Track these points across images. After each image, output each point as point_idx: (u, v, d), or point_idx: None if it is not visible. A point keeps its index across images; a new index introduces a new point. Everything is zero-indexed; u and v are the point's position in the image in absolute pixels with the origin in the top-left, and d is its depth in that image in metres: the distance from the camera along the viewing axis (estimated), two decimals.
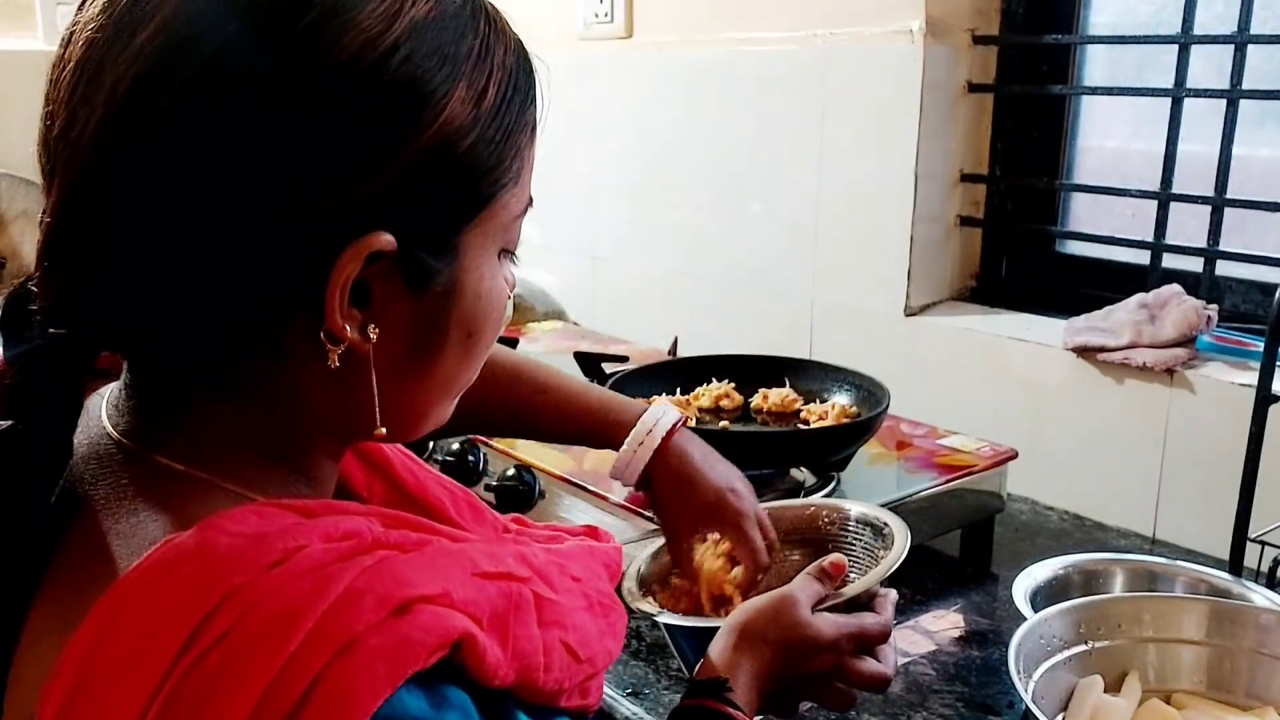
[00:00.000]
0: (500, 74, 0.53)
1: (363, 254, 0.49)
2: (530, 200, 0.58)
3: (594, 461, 1.31)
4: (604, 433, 0.96)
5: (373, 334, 0.51)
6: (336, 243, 0.49)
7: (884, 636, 0.79)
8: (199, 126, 0.46)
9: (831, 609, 0.78)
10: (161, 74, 0.46)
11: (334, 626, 0.44)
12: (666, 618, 0.87)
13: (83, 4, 0.50)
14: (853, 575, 0.85)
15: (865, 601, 0.81)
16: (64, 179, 0.49)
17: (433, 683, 0.47)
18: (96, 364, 0.54)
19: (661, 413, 0.95)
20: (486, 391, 0.85)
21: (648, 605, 0.89)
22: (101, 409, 0.55)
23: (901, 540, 0.88)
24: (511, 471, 1.29)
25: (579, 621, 0.61)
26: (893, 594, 0.83)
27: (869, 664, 0.78)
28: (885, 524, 0.93)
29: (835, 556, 0.81)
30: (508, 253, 0.59)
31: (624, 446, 0.94)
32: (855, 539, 0.95)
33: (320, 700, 0.42)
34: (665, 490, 0.94)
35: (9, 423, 0.49)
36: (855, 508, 0.98)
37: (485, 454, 1.36)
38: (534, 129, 0.56)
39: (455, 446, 1.35)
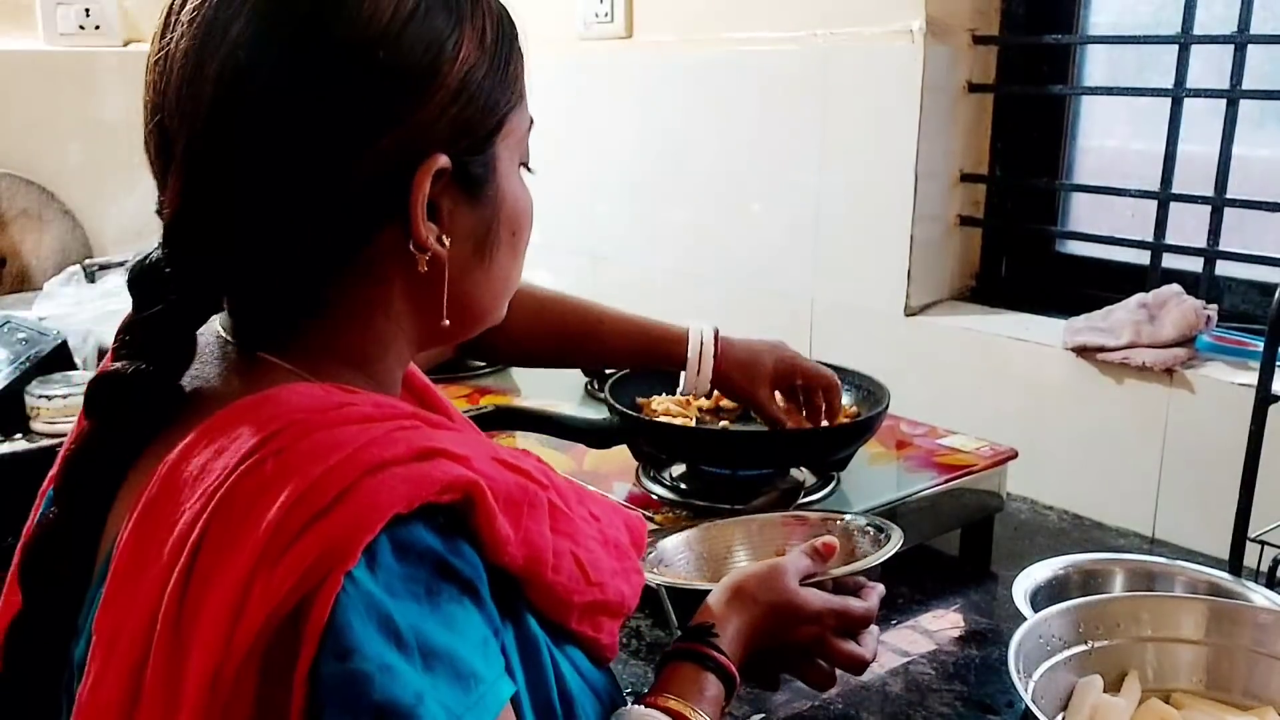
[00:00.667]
0: (491, 17, 0.63)
1: (430, 172, 0.59)
2: (532, 119, 0.68)
3: (594, 461, 1.32)
4: (664, 351, 1.19)
5: (446, 241, 0.62)
6: (409, 167, 0.59)
7: (866, 621, 0.82)
8: (286, 97, 0.57)
9: (819, 586, 0.82)
10: (254, 58, 0.56)
11: (368, 454, 0.54)
12: (663, 580, 0.91)
13: (165, 30, 0.59)
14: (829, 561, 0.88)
15: (852, 588, 0.84)
16: (183, 165, 0.59)
17: (450, 534, 0.55)
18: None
19: (701, 329, 1.19)
20: (553, 322, 1.17)
21: (650, 574, 0.91)
22: (217, 321, 0.65)
23: (895, 540, 0.91)
24: None
25: (592, 547, 0.66)
26: (880, 587, 0.86)
27: (849, 645, 0.81)
28: (883, 529, 0.95)
29: (827, 537, 0.85)
30: (524, 165, 0.68)
31: (688, 365, 1.17)
32: (854, 545, 0.96)
33: (347, 504, 0.52)
34: (736, 375, 1.20)
35: (125, 364, 0.60)
36: (861, 519, 1.01)
37: None
38: (523, 57, 0.66)
39: None
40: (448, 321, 0.65)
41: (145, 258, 0.62)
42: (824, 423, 1.22)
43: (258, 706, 0.50)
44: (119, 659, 0.53)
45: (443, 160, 0.60)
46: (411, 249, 0.61)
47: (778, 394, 1.22)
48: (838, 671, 0.82)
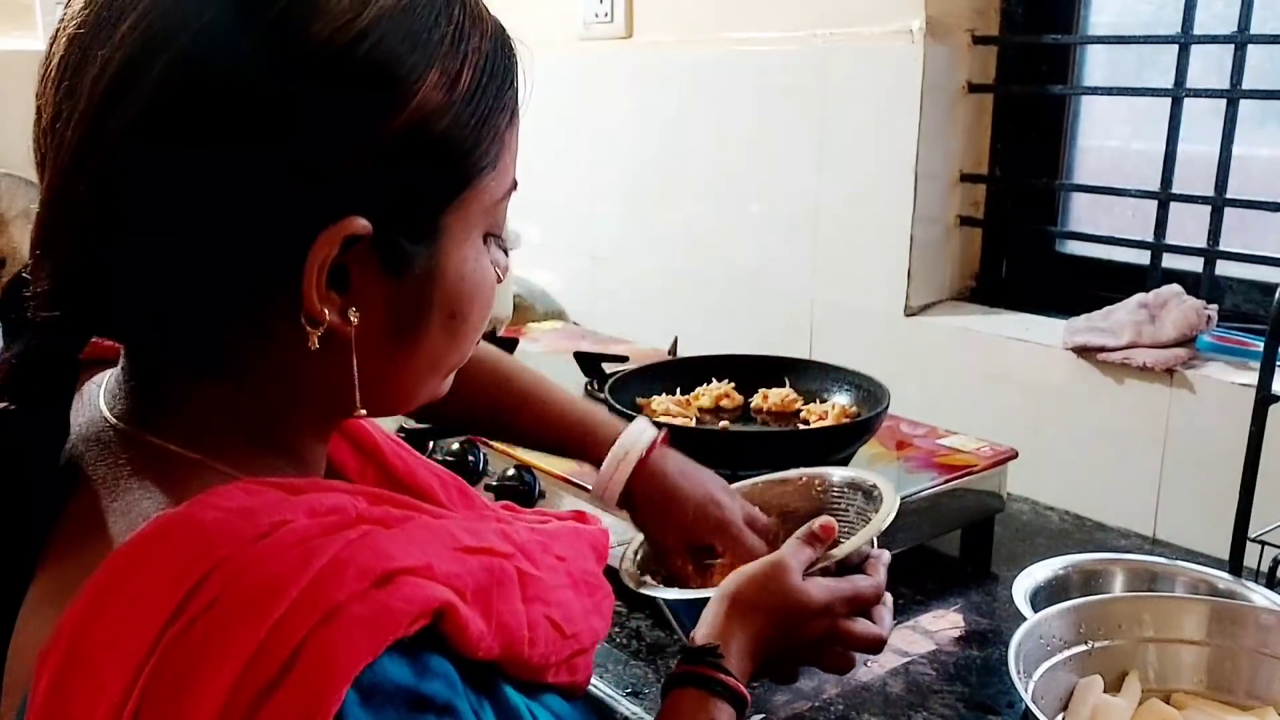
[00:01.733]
0: (475, 59, 0.54)
1: (338, 238, 0.50)
2: (514, 184, 0.59)
3: None
4: (581, 451, 0.96)
5: (353, 317, 0.53)
6: (311, 227, 0.50)
7: (877, 598, 0.79)
8: (176, 114, 0.48)
9: (823, 572, 0.78)
10: (141, 63, 0.48)
11: (317, 595, 0.45)
12: (663, 592, 0.87)
13: (68, 3, 0.52)
14: (844, 539, 0.84)
15: (857, 563, 0.81)
16: (53, 168, 0.51)
17: (416, 651, 0.49)
18: (90, 348, 0.56)
19: (640, 433, 0.94)
20: (471, 395, 0.87)
21: (648, 583, 0.89)
22: (99, 394, 0.57)
23: (890, 499, 0.88)
24: (511, 471, 1.29)
25: (563, 598, 0.62)
26: (885, 555, 0.83)
27: (864, 625, 0.78)
28: (873, 485, 0.92)
29: (824, 519, 0.81)
30: (494, 236, 0.59)
31: (602, 468, 0.93)
32: (848, 504, 0.94)
33: (303, 666, 0.44)
34: (646, 509, 0.93)
35: (4, 404, 0.51)
36: (839, 473, 0.98)
37: (485, 454, 1.36)
38: (514, 113, 0.57)
39: (455, 446, 1.35)
40: (361, 408, 0.56)
41: (18, 273, 0.54)
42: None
43: None
44: None
45: (359, 225, 0.50)
46: (301, 319, 0.51)
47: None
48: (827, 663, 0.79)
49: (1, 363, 0.53)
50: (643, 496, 0.93)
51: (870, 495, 0.92)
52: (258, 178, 0.49)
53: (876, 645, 0.78)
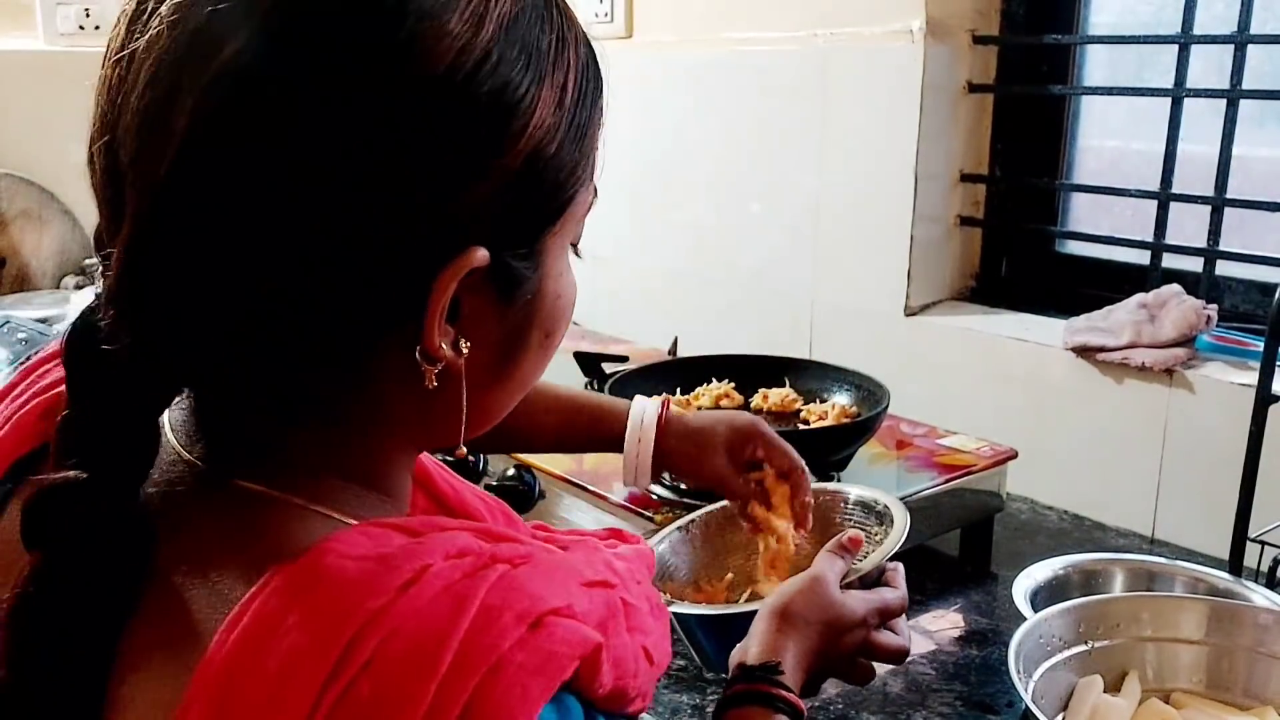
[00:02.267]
0: (576, 68, 0.51)
1: (461, 272, 0.47)
2: (596, 192, 0.56)
3: (594, 461, 1.31)
4: (597, 427, 0.98)
5: (465, 348, 0.50)
6: (434, 263, 0.46)
7: (903, 609, 0.81)
8: (288, 154, 0.43)
9: (850, 585, 0.80)
10: (249, 96, 0.43)
11: (479, 647, 0.43)
12: (687, 608, 0.87)
13: (135, 20, 0.46)
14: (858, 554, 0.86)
15: (877, 576, 0.83)
16: (136, 212, 0.45)
17: (559, 697, 0.46)
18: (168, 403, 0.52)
19: (644, 406, 0.97)
20: None
21: (669, 602, 0.88)
22: (168, 432, 0.52)
23: (902, 517, 0.90)
24: (511, 471, 1.29)
25: (651, 626, 0.60)
26: (900, 566, 0.85)
27: (890, 637, 0.79)
28: (883, 505, 0.95)
29: (852, 532, 0.83)
30: (574, 246, 0.57)
31: (626, 450, 0.95)
32: (843, 519, 0.96)
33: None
34: (684, 459, 0.96)
35: (75, 473, 0.46)
36: (853, 491, 1.00)
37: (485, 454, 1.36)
38: (602, 115, 0.54)
39: None
40: (464, 449, 0.54)
41: (85, 319, 0.48)
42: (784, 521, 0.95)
43: None
44: None
45: (480, 256, 0.47)
46: (418, 357, 0.48)
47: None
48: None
49: (68, 419, 0.48)
50: (675, 452, 0.95)
51: (877, 513, 0.94)
52: (377, 218, 0.45)
53: (901, 655, 0.80)
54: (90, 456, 0.46)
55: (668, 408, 0.98)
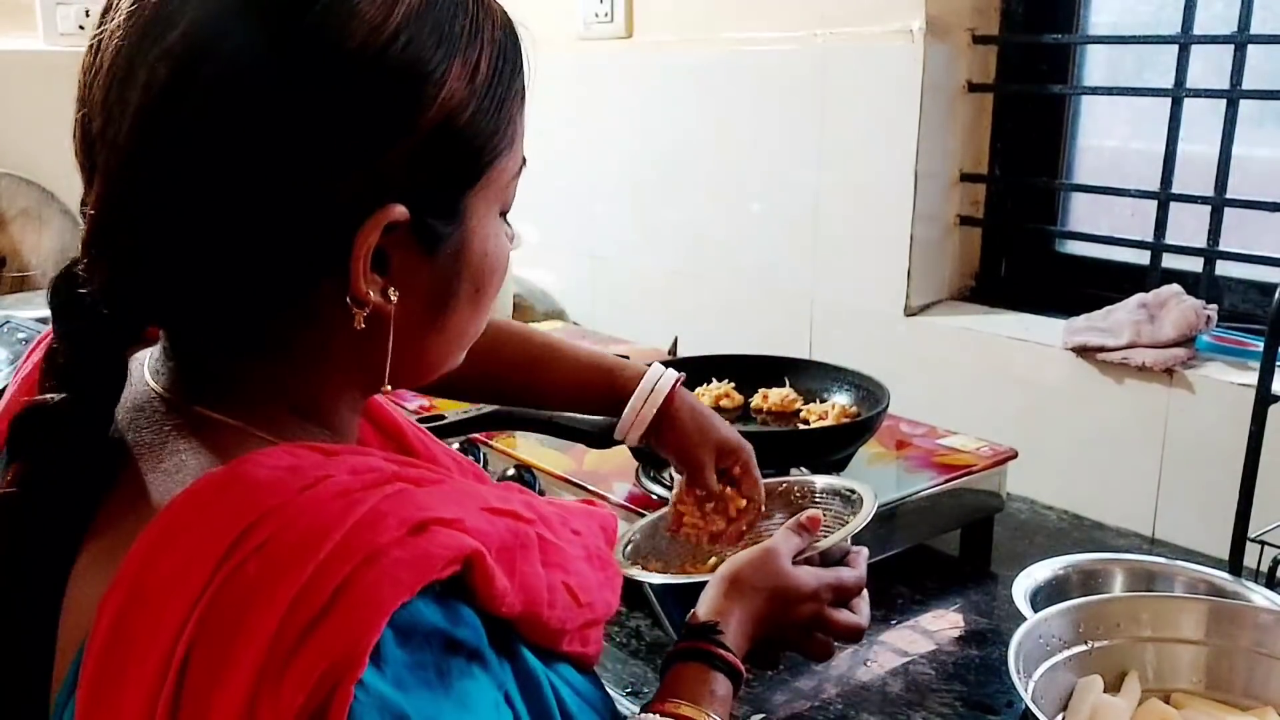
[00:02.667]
0: (490, 48, 0.57)
1: (380, 225, 0.54)
2: (524, 160, 0.63)
3: (594, 461, 1.32)
4: (608, 391, 1.00)
5: (393, 296, 0.57)
6: (356, 217, 0.54)
7: (859, 589, 0.83)
8: (224, 120, 0.51)
9: (808, 561, 0.83)
10: (188, 73, 0.51)
11: (359, 540, 0.49)
12: (652, 578, 0.90)
13: (106, 11, 0.54)
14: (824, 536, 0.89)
15: (839, 557, 0.85)
16: (104, 173, 0.53)
17: (448, 600, 0.52)
18: (141, 337, 0.60)
19: (662, 371, 1.00)
20: (497, 357, 0.98)
21: (636, 571, 0.92)
22: (143, 370, 0.60)
23: (870, 501, 0.93)
24: (511, 471, 1.29)
25: (579, 568, 0.64)
26: (864, 551, 0.87)
27: (845, 614, 0.82)
28: (852, 490, 0.97)
29: (811, 511, 0.86)
30: (505, 212, 0.64)
31: (629, 405, 0.98)
32: (826, 508, 0.97)
33: (345, 603, 0.47)
34: (678, 432, 0.99)
35: (62, 395, 0.55)
36: (821, 480, 1.02)
37: (485, 454, 1.37)
38: (523, 95, 0.61)
39: (455, 446, 1.35)
40: (388, 383, 0.61)
41: (66, 270, 0.57)
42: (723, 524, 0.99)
43: None
44: None
45: (398, 212, 0.54)
46: (348, 300, 0.55)
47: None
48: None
49: (54, 350, 0.57)
50: (673, 422, 0.98)
51: (849, 500, 0.96)
52: (303, 176, 0.52)
53: (856, 634, 0.82)
54: (68, 382, 0.55)
55: (682, 385, 1.01)
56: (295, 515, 0.49)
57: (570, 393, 1.03)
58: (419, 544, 0.50)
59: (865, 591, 0.84)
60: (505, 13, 0.60)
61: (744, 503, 0.99)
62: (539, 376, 1.02)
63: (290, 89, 0.51)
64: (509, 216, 0.64)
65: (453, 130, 0.55)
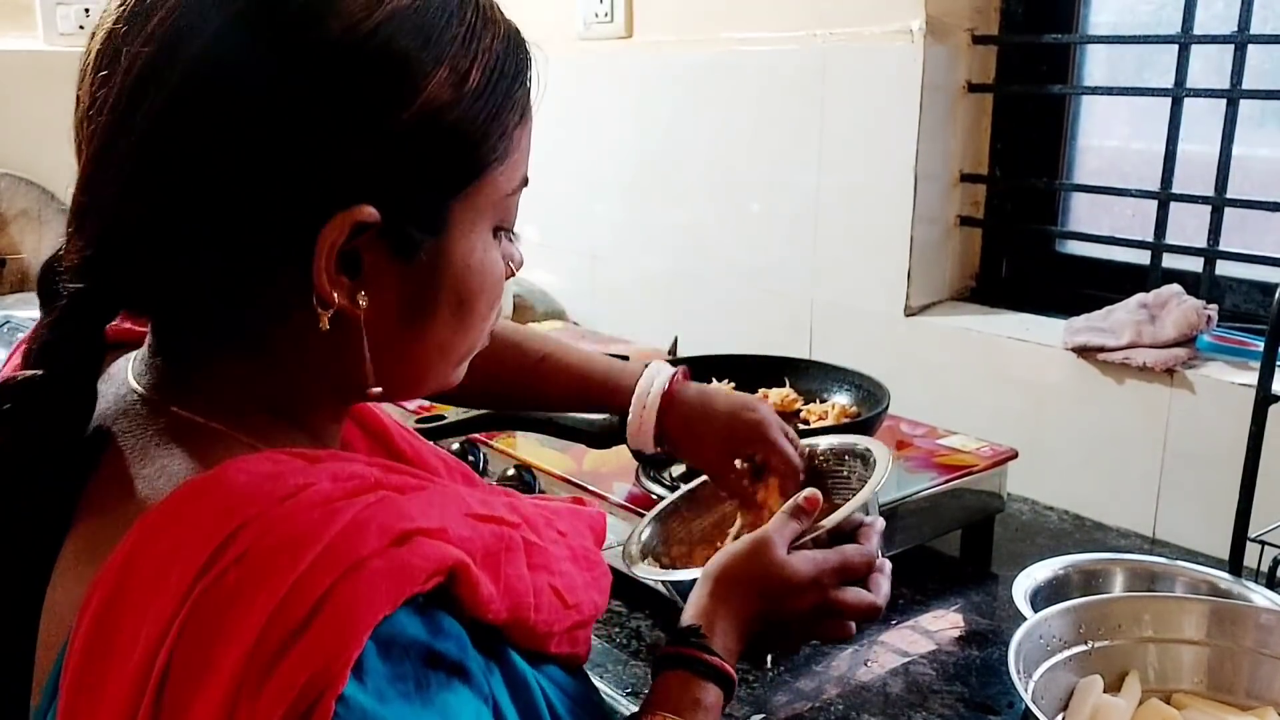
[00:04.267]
0: (486, 58, 0.56)
1: (347, 224, 0.53)
2: (525, 180, 0.61)
3: (594, 461, 1.31)
4: (608, 398, 0.99)
5: (361, 300, 0.55)
6: (321, 212, 0.53)
7: (868, 567, 0.77)
8: (195, 105, 0.51)
9: (815, 543, 0.77)
10: (165, 59, 0.51)
11: (341, 551, 0.48)
12: (660, 574, 0.86)
13: (102, 15, 0.55)
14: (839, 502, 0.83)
15: (849, 531, 0.79)
16: (86, 154, 0.54)
17: (430, 611, 0.52)
18: (120, 332, 0.61)
19: (657, 371, 0.98)
20: (489, 362, 0.91)
21: (646, 566, 0.89)
22: (128, 370, 0.60)
23: (883, 461, 0.87)
24: (511, 471, 1.29)
25: (566, 570, 0.64)
26: (879, 522, 0.81)
27: (856, 593, 0.76)
28: (867, 449, 0.92)
29: (809, 491, 0.80)
30: (504, 230, 0.62)
31: (630, 415, 0.96)
32: (850, 471, 0.93)
33: (326, 615, 0.47)
34: (682, 435, 0.96)
35: (36, 371, 0.55)
36: (826, 441, 0.97)
37: (485, 454, 1.37)
38: (525, 112, 0.60)
39: (455, 447, 1.35)
40: (378, 389, 0.59)
41: (53, 255, 0.58)
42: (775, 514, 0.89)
43: None
44: None
45: (367, 212, 0.53)
46: (314, 302, 0.54)
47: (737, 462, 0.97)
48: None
49: (34, 333, 0.57)
50: (675, 425, 0.96)
51: (865, 459, 0.91)
52: (270, 165, 0.52)
53: (872, 612, 0.77)
54: (45, 357, 0.56)
55: (679, 381, 0.98)
56: (275, 524, 0.49)
57: (570, 402, 1.02)
58: (401, 555, 0.50)
59: (887, 565, 0.78)
60: (515, 30, 0.60)
61: (777, 497, 0.92)
62: (536, 388, 1.01)
63: (265, 76, 0.51)
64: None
65: (434, 133, 0.54)
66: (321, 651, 0.46)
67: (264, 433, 0.57)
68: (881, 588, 0.78)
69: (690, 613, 0.74)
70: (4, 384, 0.55)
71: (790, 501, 0.80)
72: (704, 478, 1.00)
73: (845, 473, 0.94)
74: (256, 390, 0.58)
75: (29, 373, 0.55)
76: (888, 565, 0.79)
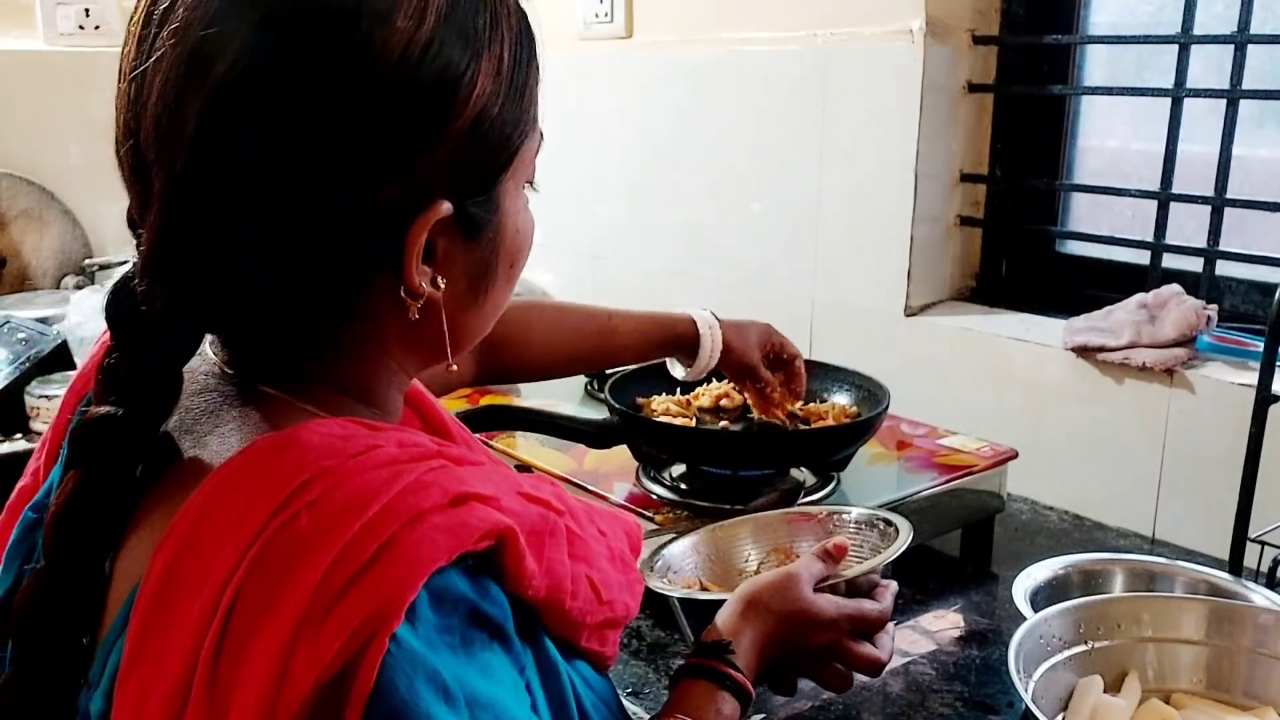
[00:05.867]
0: (510, 37, 0.59)
1: (430, 222, 0.57)
2: (542, 136, 0.65)
3: (594, 461, 1.32)
4: (678, 337, 1.21)
5: (441, 283, 0.60)
6: (406, 218, 0.56)
7: (881, 623, 0.82)
8: (275, 145, 0.53)
9: (832, 589, 0.81)
10: (240, 103, 0.52)
11: (404, 504, 0.52)
12: (674, 592, 0.91)
13: (140, 43, 0.55)
14: (853, 564, 0.88)
15: (865, 589, 0.84)
16: (161, 200, 0.55)
17: (479, 575, 0.55)
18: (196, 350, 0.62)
19: (699, 310, 1.22)
20: (566, 332, 1.18)
21: (660, 584, 0.92)
22: (207, 348, 0.63)
23: (905, 533, 0.92)
24: None
25: (603, 565, 0.66)
26: (893, 585, 0.86)
27: (865, 647, 0.81)
28: (889, 522, 0.96)
29: (838, 539, 0.86)
30: (529, 183, 0.66)
31: (702, 342, 1.21)
32: (864, 541, 0.97)
33: (388, 559, 0.50)
34: (738, 345, 1.23)
35: (111, 409, 0.57)
36: (856, 510, 1.02)
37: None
38: (539, 72, 0.63)
39: None
40: (455, 366, 0.64)
41: (123, 285, 0.59)
42: (797, 404, 1.31)
43: None
44: None
45: (445, 208, 0.57)
46: (403, 295, 0.58)
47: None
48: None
49: (111, 364, 0.58)
50: (732, 337, 1.23)
51: (886, 534, 0.96)
52: (353, 188, 0.54)
53: (875, 668, 0.81)
54: (126, 395, 0.57)
55: (715, 318, 1.23)
56: (346, 477, 0.53)
57: (647, 348, 1.23)
58: (458, 514, 0.53)
59: (891, 626, 0.83)
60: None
61: (783, 389, 1.28)
62: (616, 343, 1.20)
63: (337, 108, 0.53)
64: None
65: (485, 125, 0.58)
66: (381, 592, 0.49)
67: (334, 406, 0.60)
68: (886, 646, 0.82)
69: (719, 628, 0.78)
70: (92, 421, 0.57)
71: (819, 545, 0.86)
72: (710, 526, 1.05)
73: (859, 541, 0.98)
74: (336, 376, 0.61)
75: (107, 410, 0.57)
76: (892, 627, 0.84)
